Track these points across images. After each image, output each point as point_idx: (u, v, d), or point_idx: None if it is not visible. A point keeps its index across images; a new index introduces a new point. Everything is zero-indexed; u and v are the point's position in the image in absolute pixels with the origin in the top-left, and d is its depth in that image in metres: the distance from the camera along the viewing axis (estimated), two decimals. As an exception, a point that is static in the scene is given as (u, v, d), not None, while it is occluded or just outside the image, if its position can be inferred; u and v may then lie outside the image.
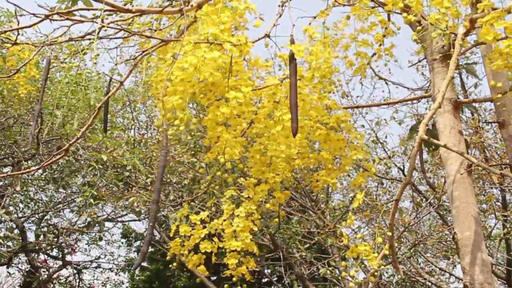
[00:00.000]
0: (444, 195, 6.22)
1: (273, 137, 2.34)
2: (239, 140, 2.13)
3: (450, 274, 8.14)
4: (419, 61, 6.52)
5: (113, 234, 11.58)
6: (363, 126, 7.86)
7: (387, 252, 2.43)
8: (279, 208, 2.61)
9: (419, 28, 2.61)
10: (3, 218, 8.07)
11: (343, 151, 2.45)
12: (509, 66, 2.18)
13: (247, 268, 2.37)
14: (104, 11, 2.43)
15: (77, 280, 11.02)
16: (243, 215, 2.31)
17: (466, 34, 2.56)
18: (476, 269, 2.55)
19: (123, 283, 12.19)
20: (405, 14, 2.56)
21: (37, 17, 2.53)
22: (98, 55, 2.28)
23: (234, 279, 2.37)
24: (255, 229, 2.34)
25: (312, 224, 7.32)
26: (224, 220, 2.38)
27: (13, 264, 10.61)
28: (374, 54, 3.16)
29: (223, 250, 2.42)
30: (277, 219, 6.09)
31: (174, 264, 2.72)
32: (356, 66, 2.78)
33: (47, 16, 2.49)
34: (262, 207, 2.42)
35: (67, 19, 2.57)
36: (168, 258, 2.55)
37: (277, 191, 2.43)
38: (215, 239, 2.41)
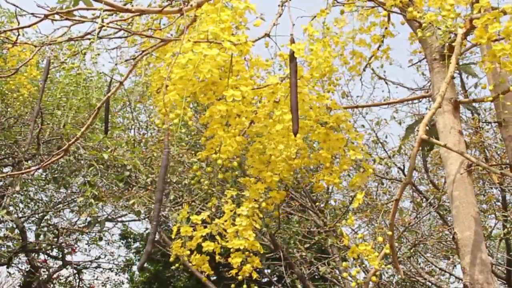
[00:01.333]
0: (444, 195, 6.22)
1: (272, 136, 2.34)
2: (239, 138, 2.13)
3: (450, 274, 8.14)
4: (419, 61, 6.52)
5: (113, 234, 11.60)
6: (363, 126, 7.85)
7: (387, 252, 2.42)
8: (277, 208, 2.60)
9: (424, 25, 2.60)
10: (3, 218, 8.07)
11: (342, 150, 2.45)
12: (507, 67, 2.17)
13: (252, 267, 2.36)
14: (104, 11, 2.43)
15: (77, 280, 11.02)
16: (246, 213, 2.31)
17: (466, 34, 2.56)
18: (476, 269, 2.54)
19: (123, 283, 12.20)
20: (410, 9, 2.56)
21: (36, 17, 2.53)
22: (99, 54, 2.28)
23: (239, 277, 2.36)
24: (258, 227, 2.33)
25: (312, 224, 7.32)
26: (225, 221, 2.38)
27: (13, 264, 10.61)
28: (372, 55, 3.16)
29: (222, 250, 2.42)
30: (273, 218, 6.08)
31: (177, 265, 2.69)
32: (351, 64, 2.79)
33: (46, 16, 2.49)
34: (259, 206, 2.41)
35: (67, 19, 2.57)
36: (171, 259, 2.53)
37: (273, 191, 2.43)
38: (218, 237, 2.40)
